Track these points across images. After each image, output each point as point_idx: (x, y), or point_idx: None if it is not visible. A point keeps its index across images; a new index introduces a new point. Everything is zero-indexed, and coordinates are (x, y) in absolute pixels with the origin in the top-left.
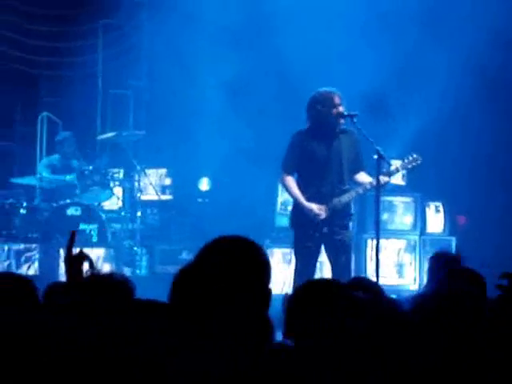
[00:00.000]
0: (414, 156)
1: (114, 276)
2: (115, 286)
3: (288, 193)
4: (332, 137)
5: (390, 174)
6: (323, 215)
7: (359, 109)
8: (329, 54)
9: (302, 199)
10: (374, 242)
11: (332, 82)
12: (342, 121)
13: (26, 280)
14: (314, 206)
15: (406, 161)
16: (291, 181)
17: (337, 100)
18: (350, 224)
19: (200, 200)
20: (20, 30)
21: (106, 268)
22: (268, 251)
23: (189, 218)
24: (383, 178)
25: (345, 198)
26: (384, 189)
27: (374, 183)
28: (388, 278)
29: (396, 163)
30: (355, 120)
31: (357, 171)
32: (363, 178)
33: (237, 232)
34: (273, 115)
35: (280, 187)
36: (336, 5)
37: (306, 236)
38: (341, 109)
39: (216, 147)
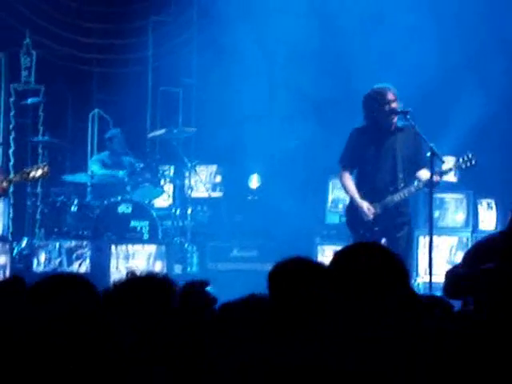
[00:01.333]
0: (470, 156)
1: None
2: (156, 286)
3: (343, 188)
4: (387, 134)
5: (442, 174)
6: (371, 216)
7: (413, 104)
8: (383, 49)
9: (355, 196)
10: (427, 239)
11: (386, 77)
12: (395, 118)
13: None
14: (365, 205)
15: (460, 160)
16: (347, 177)
17: (390, 96)
18: (406, 222)
19: (250, 197)
20: (73, 28)
21: (157, 265)
22: (319, 248)
23: (239, 215)
24: (436, 177)
25: (397, 196)
26: (436, 187)
27: (426, 182)
28: (440, 276)
29: (449, 160)
30: (408, 117)
31: (417, 168)
32: (424, 174)
33: (287, 229)
34: (324, 113)
35: (330, 185)
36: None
37: (357, 234)
38: (394, 105)
39: (266, 144)
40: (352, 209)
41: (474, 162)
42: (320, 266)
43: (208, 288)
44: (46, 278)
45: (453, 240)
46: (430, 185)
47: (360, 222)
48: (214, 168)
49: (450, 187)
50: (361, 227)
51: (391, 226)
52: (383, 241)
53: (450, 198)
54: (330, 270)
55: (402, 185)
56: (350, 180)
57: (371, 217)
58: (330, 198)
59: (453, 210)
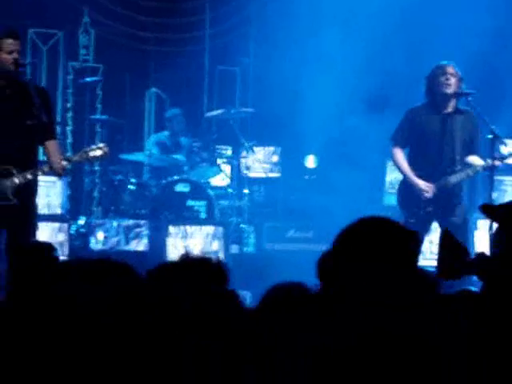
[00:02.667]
0: None
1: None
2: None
3: (396, 166)
4: (446, 114)
5: (503, 158)
6: (430, 194)
7: (474, 84)
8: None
9: (410, 173)
10: (485, 222)
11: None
12: (453, 98)
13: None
14: (421, 183)
15: None
16: (400, 154)
17: (450, 70)
18: (460, 206)
19: (307, 177)
20: (131, 6)
21: (214, 245)
22: None
23: (295, 196)
24: (496, 162)
25: (454, 178)
26: (495, 171)
27: (486, 166)
28: None
29: (510, 143)
30: (470, 99)
31: (469, 153)
32: (475, 160)
33: (343, 210)
34: (380, 94)
35: (388, 165)
36: None
37: (410, 212)
38: (453, 80)
39: (323, 125)
40: (405, 187)
41: None
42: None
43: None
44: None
45: None
46: (491, 169)
47: (414, 201)
48: (271, 148)
49: (510, 169)
50: (414, 205)
51: (445, 208)
52: (434, 224)
53: (509, 180)
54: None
55: (459, 167)
56: (402, 158)
57: (430, 195)
58: (388, 179)
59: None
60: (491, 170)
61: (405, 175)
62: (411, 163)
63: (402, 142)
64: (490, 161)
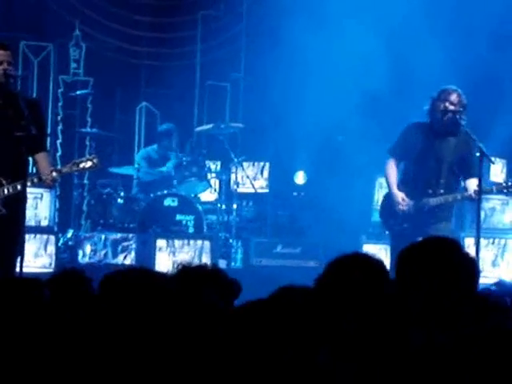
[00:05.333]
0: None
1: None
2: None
3: (385, 178)
4: (440, 136)
5: (481, 192)
6: (404, 208)
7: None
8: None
9: (393, 186)
10: (472, 240)
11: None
12: (446, 117)
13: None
14: (400, 196)
15: (503, 184)
16: (392, 167)
17: (451, 97)
18: (439, 226)
19: (296, 193)
20: (123, 20)
21: (201, 260)
22: (364, 246)
23: (284, 212)
24: (473, 195)
25: (433, 201)
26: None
27: (469, 196)
28: (486, 278)
29: (497, 162)
30: (458, 117)
31: (465, 176)
32: (470, 184)
33: (332, 226)
34: (370, 110)
35: (377, 182)
36: None
37: (386, 224)
38: (447, 104)
39: (312, 141)
40: (387, 199)
41: None
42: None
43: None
44: None
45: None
46: (479, 191)
47: (392, 214)
48: (260, 164)
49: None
50: (391, 218)
51: (421, 228)
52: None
53: (496, 198)
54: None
55: (442, 191)
56: (393, 170)
57: (404, 208)
58: (377, 195)
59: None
60: (480, 192)
61: (389, 186)
62: (400, 178)
63: (397, 155)
64: (469, 193)
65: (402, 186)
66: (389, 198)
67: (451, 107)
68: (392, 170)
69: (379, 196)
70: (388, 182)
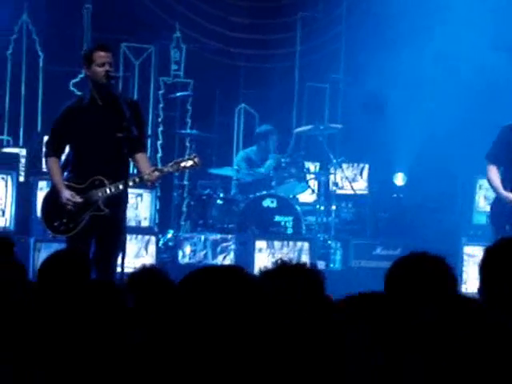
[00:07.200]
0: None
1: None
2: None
3: (489, 183)
4: None
5: None
6: None
7: None
8: None
9: (499, 189)
10: None
11: None
12: None
13: None
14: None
15: None
16: (494, 172)
17: None
18: None
19: (395, 195)
20: (223, 23)
21: (303, 260)
22: (464, 248)
23: (383, 213)
24: None
25: None
26: None
27: None
28: None
29: None
30: None
31: None
32: None
33: (432, 228)
34: (472, 109)
35: (478, 184)
36: None
37: (502, 229)
38: None
39: (412, 142)
40: (498, 203)
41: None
42: None
43: None
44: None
45: None
46: None
47: (506, 216)
48: (359, 165)
49: None
50: (507, 222)
51: None
52: None
53: None
54: None
55: None
56: (494, 174)
57: None
58: (478, 197)
59: None
60: None
61: (495, 191)
62: (503, 180)
63: (495, 159)
64: None
65: (507, 189)
66: (499, 201)
67: None
68: (493, 174)
69: (480, 197)
70: (493, 187)
